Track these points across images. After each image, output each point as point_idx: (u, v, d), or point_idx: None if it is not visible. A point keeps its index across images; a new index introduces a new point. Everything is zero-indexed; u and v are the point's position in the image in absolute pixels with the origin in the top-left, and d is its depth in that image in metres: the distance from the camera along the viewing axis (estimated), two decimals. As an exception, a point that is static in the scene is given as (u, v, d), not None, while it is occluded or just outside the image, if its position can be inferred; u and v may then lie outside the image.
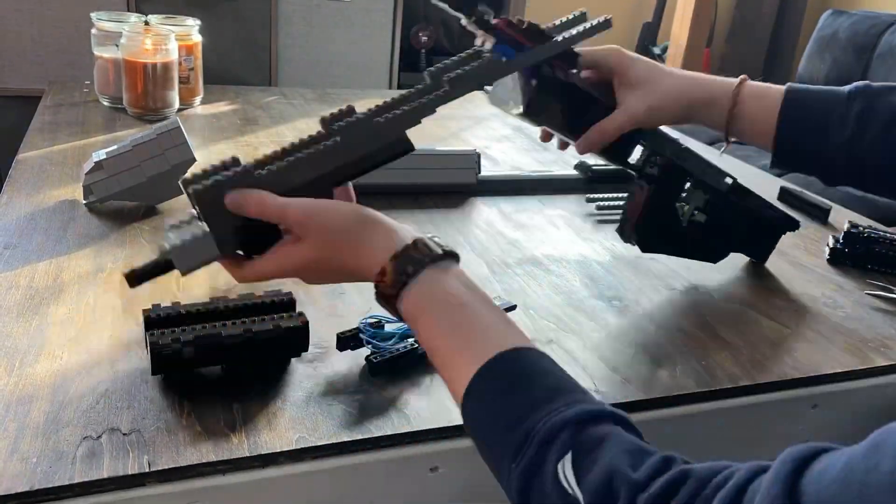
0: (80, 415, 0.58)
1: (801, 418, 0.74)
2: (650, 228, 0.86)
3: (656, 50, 3.49)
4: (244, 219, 0.56)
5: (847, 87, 0.67)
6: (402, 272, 0.51)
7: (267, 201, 0.56)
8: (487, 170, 1.18)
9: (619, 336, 0.77)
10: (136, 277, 0.58)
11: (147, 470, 0.53)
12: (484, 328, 0.49)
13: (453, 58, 0.70)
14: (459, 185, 1.11)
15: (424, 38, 2.76)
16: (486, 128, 1.50)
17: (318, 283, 0.61)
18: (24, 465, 0.53)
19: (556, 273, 0.90)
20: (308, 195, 0.58)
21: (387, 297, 0.52)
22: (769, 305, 0.86)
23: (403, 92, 0.67)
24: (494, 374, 0.47)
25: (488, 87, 0.71)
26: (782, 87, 0.72)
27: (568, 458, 0.41)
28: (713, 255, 0.91)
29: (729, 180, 0.85)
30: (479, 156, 1.12)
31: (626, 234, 0.87)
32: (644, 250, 0.89)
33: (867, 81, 0.68)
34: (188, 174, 0.57)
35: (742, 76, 0.76)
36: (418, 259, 0.52)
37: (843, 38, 2.77)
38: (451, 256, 0.54)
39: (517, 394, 0.45)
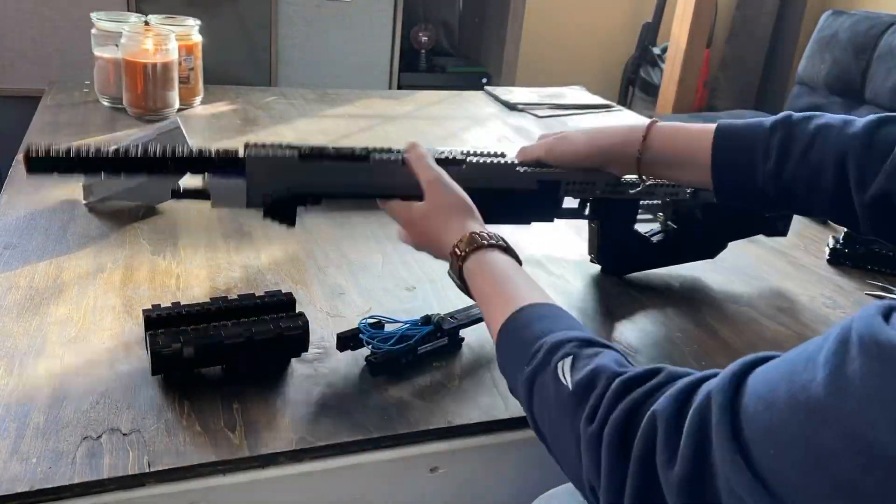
0: (80, 415, 0.58)
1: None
2: (618, 257, 0.89)
3: (656, 50, 3.48)
4: (272, 190, 0.71)
5: (769, 120, 0.72)
6: (475, 242, 0.64)
7: (427, 159, 0.72)
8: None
9: (619, 336, 0.77)
10: (179, 193, 0.72)
11: (147, 470, 0.53)
12: (525, 290, 0.60)
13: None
14: None
15: (424, 39, 2.76)
16: (486, 128, 1.50)
17: (415, 241, 0.71)
18: (25, 465, 0.53)
19: (555, 274, 0.90)
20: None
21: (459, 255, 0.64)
22: (769, 305, 0.86)
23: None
24: (526, 313, 0.57)
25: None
26: (706, 127, 0.74)
27: (568, 360, 0.50)
28: (707, 253, 0.92)
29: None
30: None
31: (598, 261, 0.91)
32: (620, 275, 0.90)
33: (789, 112, 0.72)
34: (252, 142, 0.72)
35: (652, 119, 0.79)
36: (487, 240, 0.65)
37: (843, 39, 2.77)
38: (511, 252, 0.65)
39: (540, 324, 0.55)
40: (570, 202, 0.83)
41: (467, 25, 2.99)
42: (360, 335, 0.67)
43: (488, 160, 0.78)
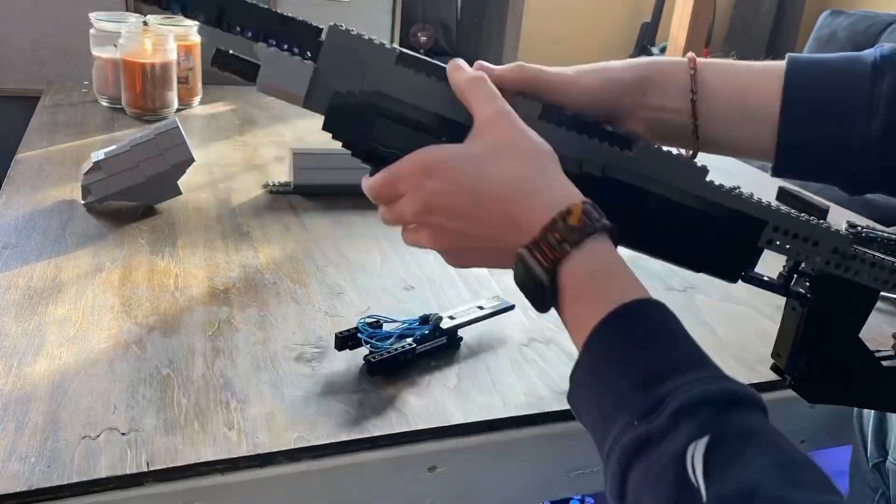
0: (79, 414, 0.58)
1: (799, 418, 0.74)
2: (825, 375, 0.60)
3: (655, 50, 3.49)
4: (348, 92, 0.53)
5: (870, 55, 0.49)
6: (588, 224, 0.43)
7: (487, 84, 0.50)
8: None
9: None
10: (222, 59, 0.55)
11: (145, 469, 0.53)
12: (624, 284, 0.42)
13: None
14: None
15: (423, 39, 2.76)
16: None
17: (461, 211, 0.46)
18: (23, 464, 0.53)
19: (554, 273, 0.90)
20: None
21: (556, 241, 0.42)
22: (768, 305, 0.86)
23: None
24: (628, 322, 0.40)
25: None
26: (773, 63, 0.52)
27: (703, 441, 0.34)
28: None
29: None
30: None
31: (786, 371, 0.61)
32: (817, 402, 0.63)
33: (892, 45, 0.49)
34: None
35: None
36: (599, 219, 0.43)
37: (842, 38, 2.77)
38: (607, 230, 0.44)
39: (653, 350, 0.39)
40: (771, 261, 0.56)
41: (466, 25, 2.99)
42: (359, 335, 0.67)
43: (667, 153, 0.53)
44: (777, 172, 0.53)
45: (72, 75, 1.90)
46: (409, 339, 0.68)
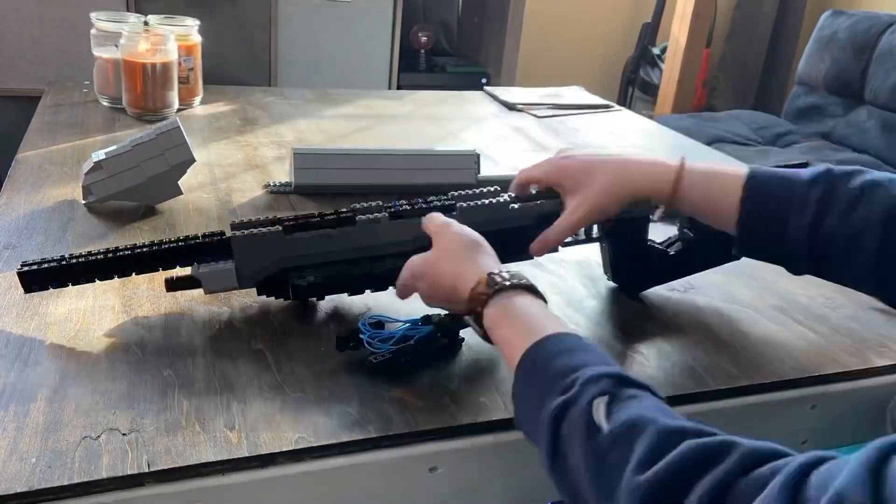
0: (79, 415, 0.58)
1: (800, 419, 0.74)
2: (635, 273, 0.84)
3: (655, 50, 3.49)
4: (263, 267, 0.71)
5: (808, 173, 0.67)
6: (494, 284, 0.60)
7: (434, 215, 0.71)
8: (487, 170, 1.18)
9: (618, 336, 0.77)
10: (171, 284, 0.72)
11: (146, 470, 0.53)
12: (553, 325, 0.57)
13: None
14: (459, 185, 1.11)
15: (424, 39, 2.76)
16: (486, 128, 1.50)
17: (428, 293, 0.67)
18: (23, 465, 0.53)
19: (555, 273, 0.90)
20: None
21: (477, 300, 0.61)
22: (768, 305, 0.86)
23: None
24: (554, 342, 0.54)
25: None
26: (738, 173, 0.69)
27: (604, 399, 0.48)
28: (730, 256, 0.83)
29: None
30: (478, 156, 1.12)
31: (615, 281, 0.86)
32: (640, 291, 0.85)
33: (828, 166, 0.68)
34: (238, 220, 0.72)
35: (681, 156, 0.74)
36: (508, 279, 0.61)
37: (843, 39, 2.77)
38: (536, 292, 0.61)
39: (571, 356, 0.52)
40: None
41: (467, 25, 2.99)
42: (361, 335, 0.67)
43: (480, 202, 0.75)
44: (740, 252, 0.73)
45: (73, 75, 1.91)
46: (411, 340, 0.68)
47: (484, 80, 2.67)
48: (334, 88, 1.72)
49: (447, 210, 0.74)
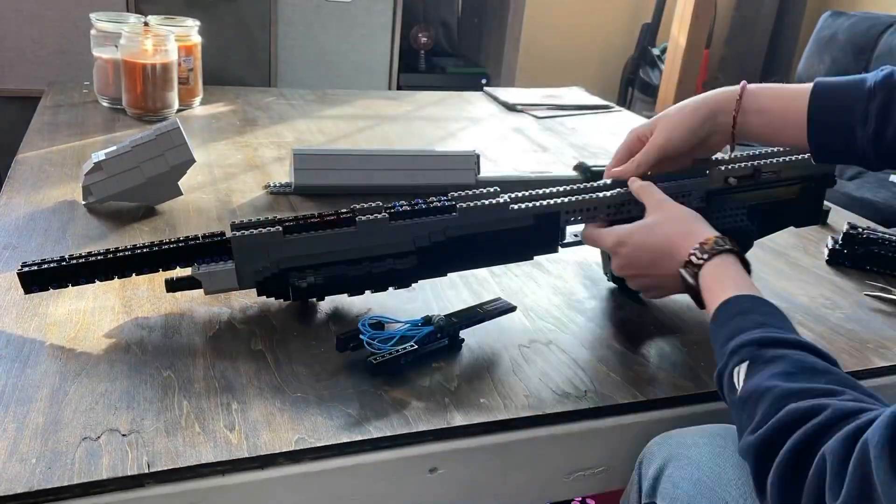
0: (80, 415, 0.58)
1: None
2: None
3: (655, 51, 3.49)
4: (263, 268, 0.71)
5: (869, 80, 0.72)
6: (718, 246, 0.67)
7: (651, 187, 0.76)
8: (487, 170, 1.18)
9: (618, 337, 0.77)
10: (171, 285, 0.72)
11: (146, 471, 0.53)
12: (739, 284, 0.65)
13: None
14: (459, 185, 1.11)
15: (424, 39, 2.76)
16: (485, 128, 1.50)
17: (634, 252, 0.72)
18: (24, 465, 0.53)
19: (555, 274, 0.90)
20: None
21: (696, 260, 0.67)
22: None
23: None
24: (731, 304, 0.63)
25: None
26: (802, 87, 0.74)
27: (744, 366, 0.56)
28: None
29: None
30: (478, 156, 1.12)
31: (614, 282, 0.87)
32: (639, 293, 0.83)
33: (891, 69, 0.72)
34: (238, 221, 0.72)
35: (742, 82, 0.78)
36: (726, 245, 0.68)
37: (843, 39, 2.77)
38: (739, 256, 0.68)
39: (739, 319, 0.61)
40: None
41: (467, 26, 2.99)
42: (361, 336, 0.67)
43: (480, 203, 0.75)
44: (817, 160, 0.77)
45: (72, 76, 1.90)
46: (411, 341, 0.68)
47: (484, 81, 2.67)
48: (334, 89, 1.72)
49: (447, 210, 0.74)
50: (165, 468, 0.54)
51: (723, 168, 0.81)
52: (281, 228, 0.71)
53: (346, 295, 0.75)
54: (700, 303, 0.68)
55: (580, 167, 1.20)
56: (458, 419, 0.62)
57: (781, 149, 0.84)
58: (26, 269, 0.69)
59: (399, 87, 2.45)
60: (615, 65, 3.60)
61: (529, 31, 2.97)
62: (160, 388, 0.62)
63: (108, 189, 0.94)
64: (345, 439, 0.59)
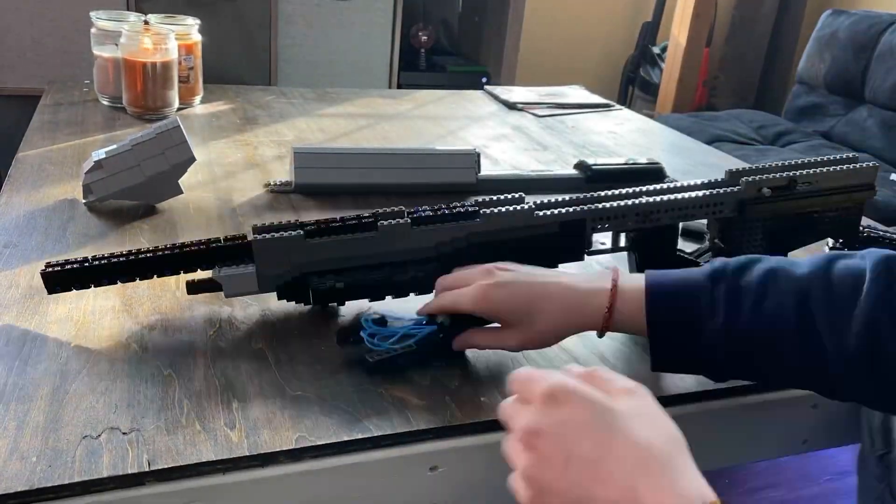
0: (80, 414, 0.58)
1: (800, 418, 0.74)
2: None
3: (656, 49, 3.49)
4: (284, 272, 0.70)
5: (704, 272, 0.62)
6: None
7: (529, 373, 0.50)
8: (487, 169, 1.18)
9: (619, 336, 0.77)
10: (192, 287, 0.71)
11: (147, 469, 0.53)
12: None
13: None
14: (459, 184, 1.11)
15: (424, 37, 2.76)
16: (485, 127, 1.50)
17: (573, 439, 0.44)
18: (24, 463, 0.53)
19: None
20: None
21: None
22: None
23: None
24: None
25: None
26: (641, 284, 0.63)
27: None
28: None
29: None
30: (478, 155, 1.13)
31: None
32: None
33: (722, 260, 0.63)
34: (259, 224, 0.71)
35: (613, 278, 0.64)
36: None
37: (843, 38, 2.77)
38: None
39: None
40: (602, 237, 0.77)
41: (467, 24, 2.99)
42: (361, 331, 0.67)
43: (504, 209, 0.73)
44: (655, 369, 0.64)
45: (72, 74, 1.91)
46: (412, 339, 0.68)
47: (484, 79, 2.67)
48: (334, 87, 1.72)
49: (470, 216, 0.71)
50: (166, 466, 0.54)
51: (757, 178, 0.78)
52: (303, 232, 0.70)
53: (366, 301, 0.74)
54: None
55: (581, 165, 1.21)
56: (459, 418, 0.62)
57: (821, 158, 0.82)
58: (50, 269, 0.68)
59: (399, 86, 2.45)
60: (616, 63, 3.60)
61: (530, 30, 2.97)
62: (161, 386, 0.62)
63: (109, 187, 0.94)
64: (345, 438, 0.59)
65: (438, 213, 0.73)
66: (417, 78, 2.64)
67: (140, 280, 0.71)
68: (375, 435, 0.59)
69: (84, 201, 0.96)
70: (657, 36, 3.50)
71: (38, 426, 0.56)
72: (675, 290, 0.61)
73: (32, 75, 2.05)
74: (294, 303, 0.74)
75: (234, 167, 1.14)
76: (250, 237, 0.70)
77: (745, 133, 2.73)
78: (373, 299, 0.74)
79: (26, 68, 2.06)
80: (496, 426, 0.63)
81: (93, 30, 1.36)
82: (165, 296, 0.76)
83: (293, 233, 0.70)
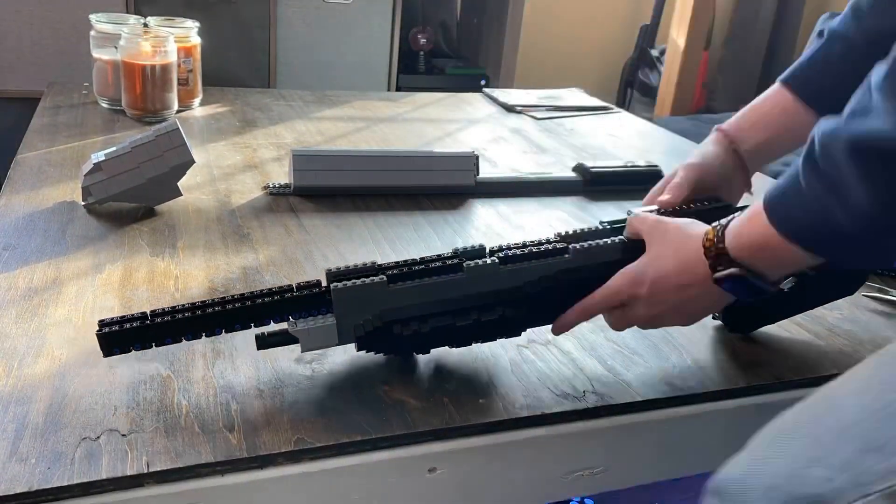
0: (79, 415, 0.58)
1: (798, 419, 0.74)
2: (744, 311, 0.77)
3: (654, 52, 3.49)
4: (366, 321, 0.65)
5: (822, 37, 0.82)
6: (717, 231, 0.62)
7: (648, 218, 0.69)
8: (486, 171, 1.18)
9: (617, 338, 0.77)
10: (263, 342, 0.65)
11: (146, 471, 0.53)
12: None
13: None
14: (458, 186, 1.11)
15: (423, 40, 2.76)
16: (484, 129, 1.50)
17: (653, 286, 0.65)
18: (23, 465, 0.53)
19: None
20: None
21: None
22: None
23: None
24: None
25: None
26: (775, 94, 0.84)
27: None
28: (846, 289, 0.79)
29: None
30: (477, 157, 1.13)
31: (720, 318, 0.81)
32: (748, 332, 0.80)
33: (829, 21, 0.80)
34: (333, 269, 0.66)
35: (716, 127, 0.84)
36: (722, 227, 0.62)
37: (841, 41, 2.77)
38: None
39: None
40: None
41: (466, 27, 2.99)
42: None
43: (594, 243, 0.70)
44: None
45: (72, 77, 1.90)
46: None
47: (483, 82, 2.67)
48: (333, 90, 1.72)
49: (559, 252, 0.69)
50: (165, 468, 0.54)
51: None
52: (386, 278, 0.65)
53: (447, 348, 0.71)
54: (755, 287, 0.60)
55: (579, 168, 1.21)
56: (457, 419, 0.62)
57: None
58: (106, 328, 0.61)
59: (398, 89, 2.45)
60: (614, 66, 3.60)
61: (528, 33, 2.98)
62: (160, 388, 0.62)
63: (108, 190, 0.94)
64: (344, 439, 0.59)
65: (526, 251, 0.69)
66: (416, 80, 2.64)
67: (206, 337, 0.63)
68: (374, 437, 0.59)
69: (83, 203, 0.96)
70: (655, 38, 3.50)
71: (38, 428, 0.56)
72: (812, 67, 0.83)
73: (32, 78, 2.05)
74: (374, 353, 0.68)
75: (233, 169, 1.15)
76: (324, 282, 0.65)
77: (743, 135, 2.73)
78: (458, 346, 0.70)
79: (26, 70, 2.06)
80: (495, 427, 0.63)
81: (92, 32, 1.36)
82: (164, 298, 0.76)
83: (375, 279, 0.65)
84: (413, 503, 0.62)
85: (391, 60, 2.43)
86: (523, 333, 0.70)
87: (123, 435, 0.57)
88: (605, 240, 0.70)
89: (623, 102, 3.52)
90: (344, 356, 0.68)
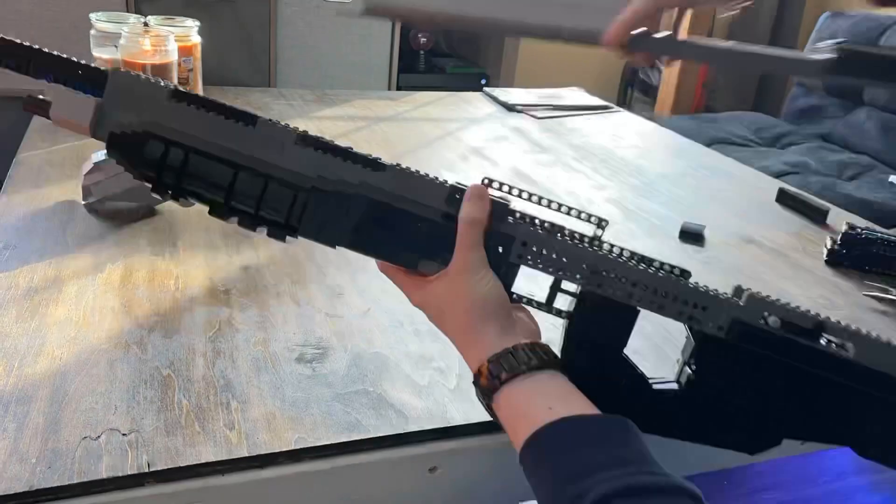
0: (80, 415, 0.58)
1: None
2: (596, 388, 0.54)
3: (655, 51, 3.49)
4: (129, 122, 0.58)
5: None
6: (513, 368, 0.52)
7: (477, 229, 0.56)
8: (485, 171, 1.18)
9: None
10: (28, 101, 0.61)
11: (146, 470, 0.53)
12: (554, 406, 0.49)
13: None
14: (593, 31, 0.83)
15: (423, 39, 2.76)
16: (484, 129, 1.50)
17: (429, 313, 0.59)
18: (23, 465, 0.53)
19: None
20: None
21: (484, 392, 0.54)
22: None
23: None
24: (566, 429, 0.47)
25: None
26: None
27: None
28: (749, 443, 0.60)
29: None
30: None
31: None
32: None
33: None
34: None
35: None
36: (527, 362, 0.52)
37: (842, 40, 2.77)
38: (551, 366, 0.52)
39: (582, 450, 0.46)
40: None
41: (466, 26, 2.99)
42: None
43: (421, 172, 0.58)
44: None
45: (72, 76, 1.90)
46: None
47: (483, 81, 2.67)
48: (333, 89, 1.72)
49: (374, 167, 0.57)
50: (165, 467, 0.54)
51: (764, 298, 0.56)
52: (171, 88, 0.58)
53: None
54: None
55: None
56: (458, 419, 0.62)
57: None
58: None
59: (398, 88, 2.45)
60: (615, 66, 3.60)
61: (529, 32, 2.97)
62: (160, 387, 0.62)
63: (108, 189, 0.94)
64: (344, 438, 0.59)
65: (339, 147, 0.58)
66: (416, 80, 2.64)
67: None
68: (375, 436, 0.59)
69: (84, 203, 0.96)
70: (656, 38, 3.50)
71: (38, 427, 0.56)
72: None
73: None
74: (116, 161, 0.61)
75: (233, 169, 1.14)
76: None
77: (744, 135, 2.74)
78: (212, 209, 0.60)
79: (26, 70, 2.06)
80: (496, 427, 0.63)
81: (92, 31, 1.36)
82: (165, 297, 0.76)
83: (160, 82, 0.58)
84: (413, 503, 0.62)
85: (391, 59, 2.43)
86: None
87: (124, 434, 0.57)
88: (429, 176, 0.57)
89: (624, 102, 3.52)
90: (345, 356, 0.68)
